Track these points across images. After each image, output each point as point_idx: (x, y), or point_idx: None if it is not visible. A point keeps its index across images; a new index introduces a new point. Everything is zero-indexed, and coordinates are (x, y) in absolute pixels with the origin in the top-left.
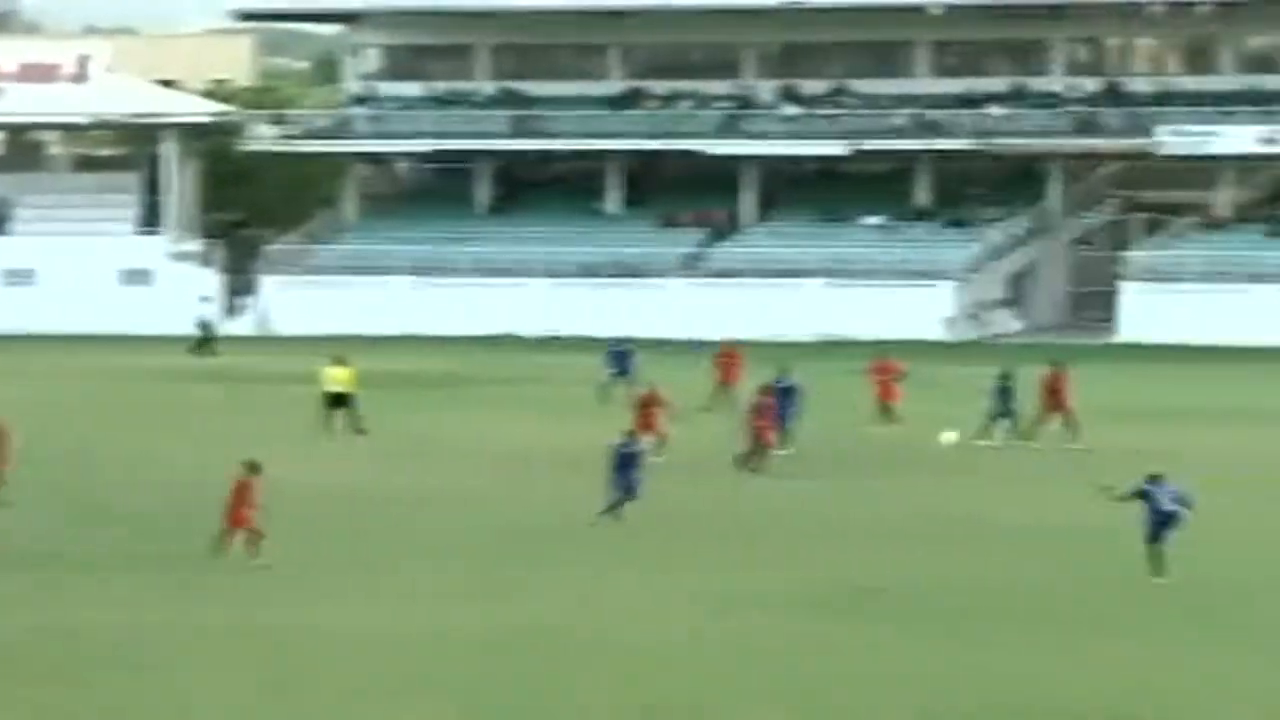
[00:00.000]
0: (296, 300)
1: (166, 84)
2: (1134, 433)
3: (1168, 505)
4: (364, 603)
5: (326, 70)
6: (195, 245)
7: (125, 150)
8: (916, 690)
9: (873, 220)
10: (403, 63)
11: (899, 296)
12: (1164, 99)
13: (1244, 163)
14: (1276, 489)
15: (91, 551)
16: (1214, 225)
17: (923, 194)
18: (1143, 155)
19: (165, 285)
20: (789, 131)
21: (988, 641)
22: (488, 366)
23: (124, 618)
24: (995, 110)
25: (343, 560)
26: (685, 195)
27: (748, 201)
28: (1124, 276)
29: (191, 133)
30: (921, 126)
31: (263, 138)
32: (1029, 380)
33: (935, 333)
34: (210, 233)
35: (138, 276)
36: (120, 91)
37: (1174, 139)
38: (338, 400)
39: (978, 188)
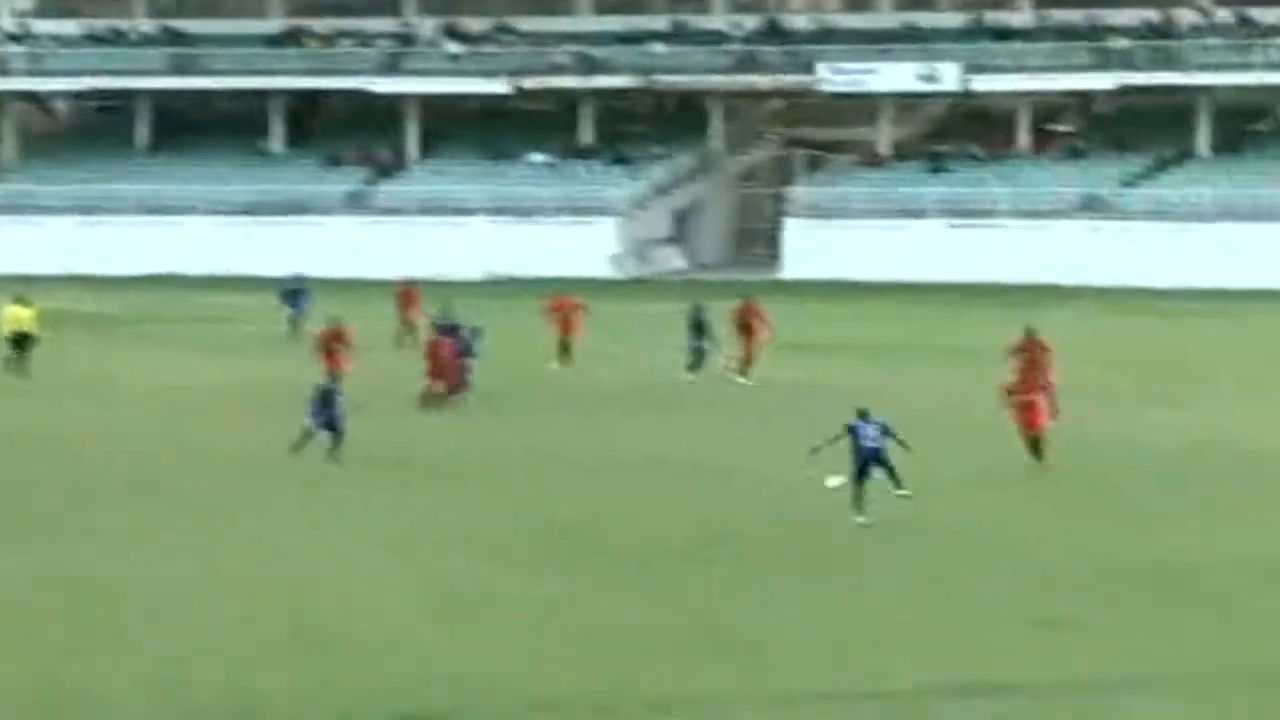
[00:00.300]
0: None
1: None
2: (801, 367)
3: (871, 442)
4: (39, 545)
5: None
6: None
7: None
8: (587, 623)
9: (537, 158)
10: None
11: (564, 234)
12: (824, 36)
13: (903, 100)
14: (952, 425)
15: None
16: (875, 162)
17: (587, 132)
18: (804, 93)
19: None
20: (452, 69)
21: (666, 579)
22: (153, 306)
23: None
24: (657, 48)
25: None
26: (349, 133)
27: (412, 139)
28: (787, 213)
29: None
30: (584, 64)
31: None
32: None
33: (601, 270)
34: None
35: None
36: None
37: (834, 76)
38: (21, 341)
39: (641, 125)
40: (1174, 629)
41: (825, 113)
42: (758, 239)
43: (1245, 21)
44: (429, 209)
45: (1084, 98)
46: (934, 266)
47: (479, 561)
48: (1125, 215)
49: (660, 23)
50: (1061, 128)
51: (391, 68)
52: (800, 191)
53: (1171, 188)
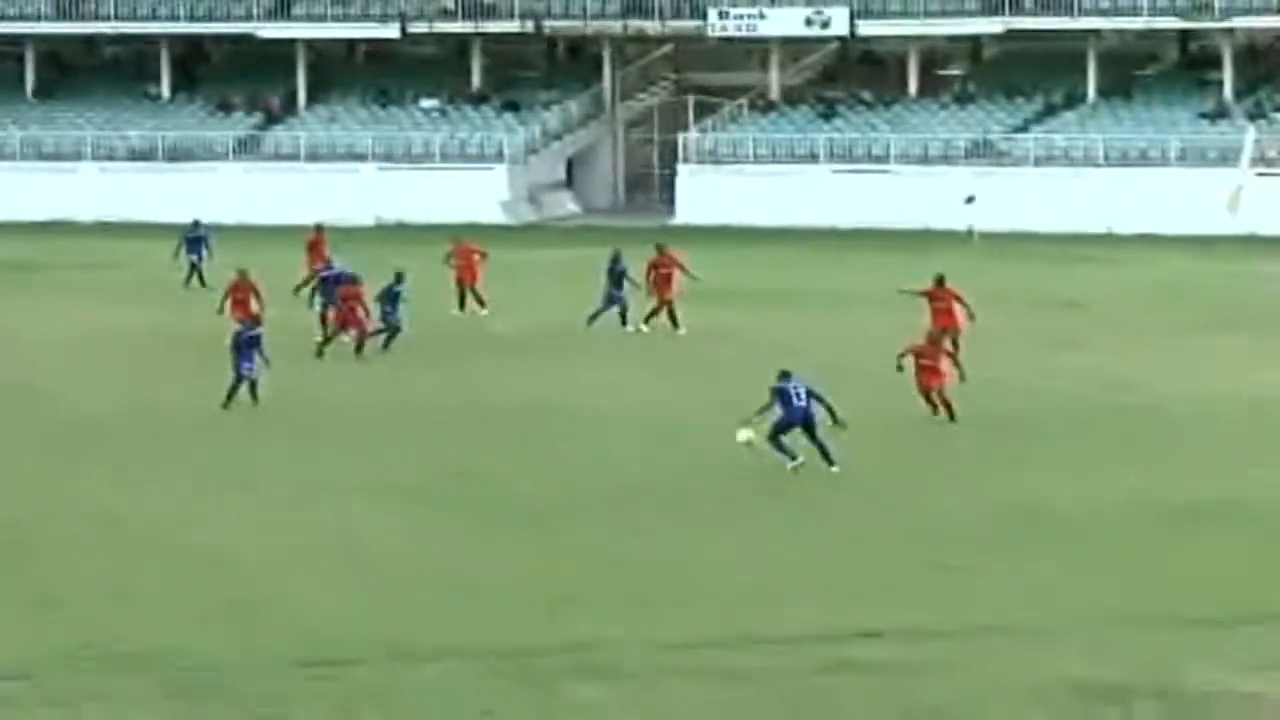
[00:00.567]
0: None
1: None
2: (697, 314)
3: (800, 402)
4: None
5: None
6: None
7: None
8: (491, 573)
9: (427, 104)
10: None
11: (455, 180)
12: None
13: (793, 44)
14: (848, 370)
15: None
16: (767, 107)
17: (477, 77)
18: (694, 38)
19: None
20: (340, 14)
21: (570, 529)
22: (43, 252)
23: None
24: None
25: None
26: (237, 79)
27: (301, 85)
28: (679, 159)
29: None
30: (473, 8)
31: None
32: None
33: (492, 216)
34: None
35: None
36: None
37: (723, 21)
38: None
39: (532, 71)
40: (1070, 572)
41: (716, 58)
42: (650, 185)
43: None
44: (319, 155)
45: (972, 42)
46: (826, 212)
47: (382, 511)
48: (1015, 160)
49: None
50: (950, 72)
51: (279, 12)
52: (692, 137)
53: (1061, 132)
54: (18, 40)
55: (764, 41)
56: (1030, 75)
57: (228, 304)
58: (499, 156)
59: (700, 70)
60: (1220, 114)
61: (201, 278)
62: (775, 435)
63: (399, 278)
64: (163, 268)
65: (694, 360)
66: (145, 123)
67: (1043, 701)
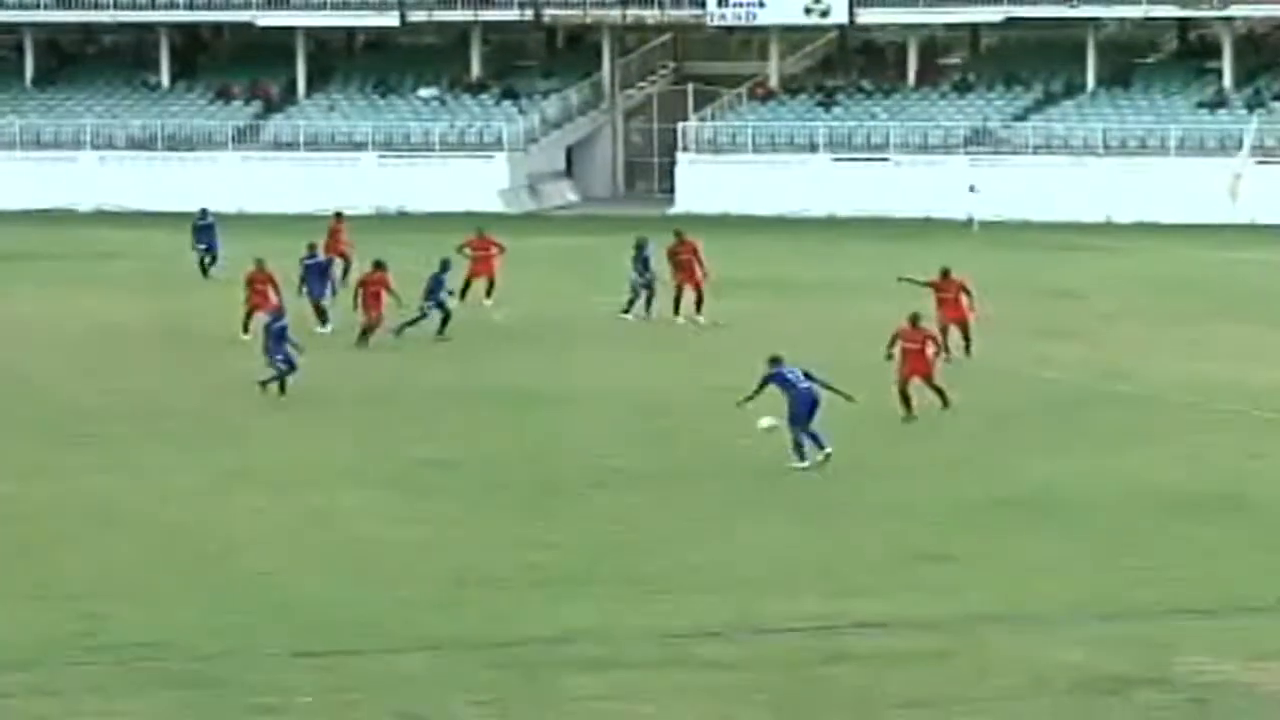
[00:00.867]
0: None
1: None
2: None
3: (803, 383)
4: None
5: None
6: None
7: None
8: (479, 560)
9: (426, 92)
10: None
11: (454, 169)
12: None
13: (792, 33)
14: (845, 359)
15: None
16: (766, 96)
17: (476, 66)
18: (693, 26)
19: None
20: (339, 2)
21: (564, 514)
22: (42, 241)
23: None
24: None
25: None
26: (237, 67)
27: (300, 73)
28: (679, 148)
29: None
30: None
31: None
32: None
33: (492, 205)
34: None
35: None
36: None
37: (722, 10)
38: None
39: (531, 60)
40: (1067, 562)
41: (715, 47)
42: (649, 174)
43: None
44: (318, 144)
45: (972, 30)
46: (825, 200)
47: (380, 500)
48: (1014, 149)
49: None
50: (950, 61)
51: (279, 1)
52: (691, 126)
53: (1061, 121)
54: (17, 29)
55: (763, 30)
56: (1030, 64)
57: (249, 294)
58: (498, 145)
59: (700, 59)
60: (1219, 103)
61: (204, 268)
62: (804, 421)
63: (444, 265)
64: (162, 257)
65: (692, 349)
66: (145, 111)
67: (1040, 691)
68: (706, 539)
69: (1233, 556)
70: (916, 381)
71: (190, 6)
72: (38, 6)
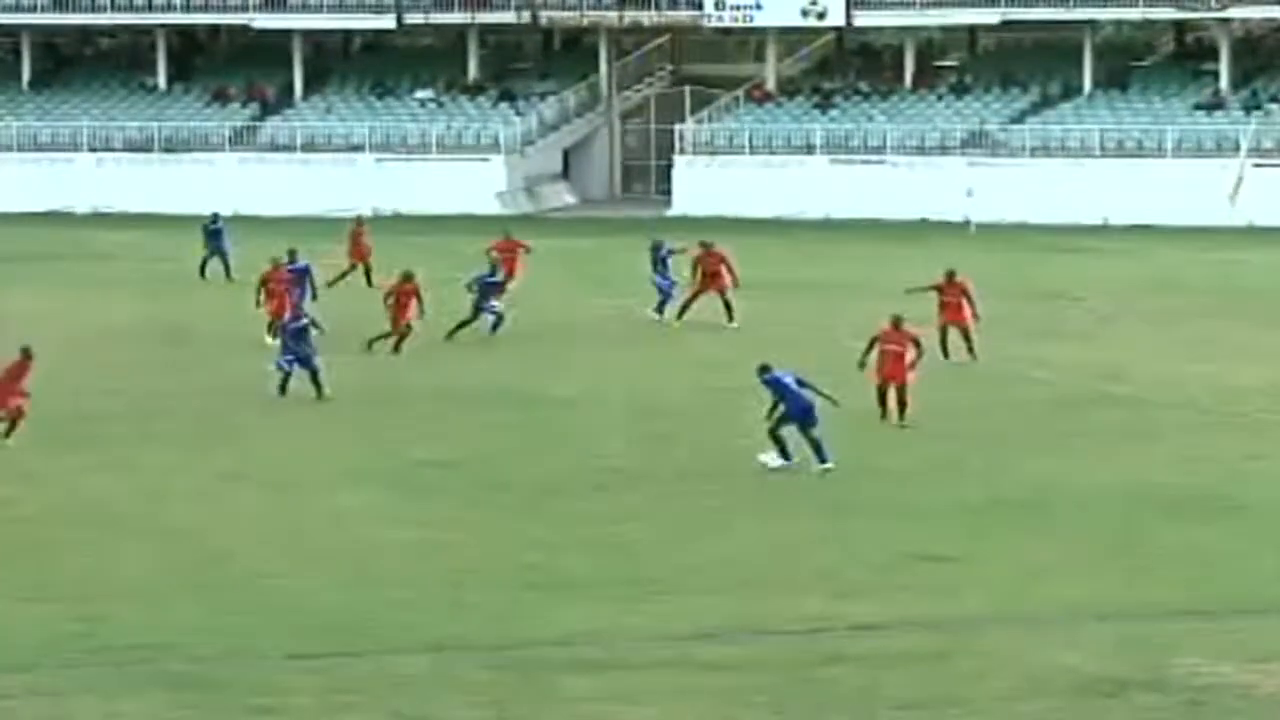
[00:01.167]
0: None
1: None
2: (696, 305)
3: (796, 388)
4: None
5: None
6: None
7: None
8: (481, 561)
9: (423, 94)
10: None
11: (451, 171)
12: None
13: (789, 35)
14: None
15: None
16: (763, 98)
17: (473, 68)
18: (690, 28)
19: None
20: (335, 4)
21: (566, 516)
22: (39, 243)
23: None
24: None
25: None
26: (234, 69)
27: (297, 75)
28: (676, 150)
29: None
30: None
31: None
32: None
33: (489, 207)
34: None
35: None
36: None
37: (719, 12)
38: None
39: (528, 62)
40: (1063, 563)
41: (712, 49)
42: (646, 176)
43: None
44: (315, 146)
45: (969, 32)
46: (822, 203)
47: (377, 501)
48: (1011, 151)
49: None
50: (947, 63)
51: (275, 3)
52: (689, 128)
53: (1058, 123)
54: (14, 31)
55: (760, 32)
56: (1026, 66)
57: (263, 297)
58: (495, 147)
59: (697, 61)
60: (1216, 105)
61: (203, 270)
62: (776, 430)
63: (493, 269)
64: (159, 259)
65: (689, 350)
66: (142, 113)
67: (1037, 693)
68: (706, 540)
69: (1230, 558)
70: (891, 386)
71: (187, 9)
72: (35, 8)
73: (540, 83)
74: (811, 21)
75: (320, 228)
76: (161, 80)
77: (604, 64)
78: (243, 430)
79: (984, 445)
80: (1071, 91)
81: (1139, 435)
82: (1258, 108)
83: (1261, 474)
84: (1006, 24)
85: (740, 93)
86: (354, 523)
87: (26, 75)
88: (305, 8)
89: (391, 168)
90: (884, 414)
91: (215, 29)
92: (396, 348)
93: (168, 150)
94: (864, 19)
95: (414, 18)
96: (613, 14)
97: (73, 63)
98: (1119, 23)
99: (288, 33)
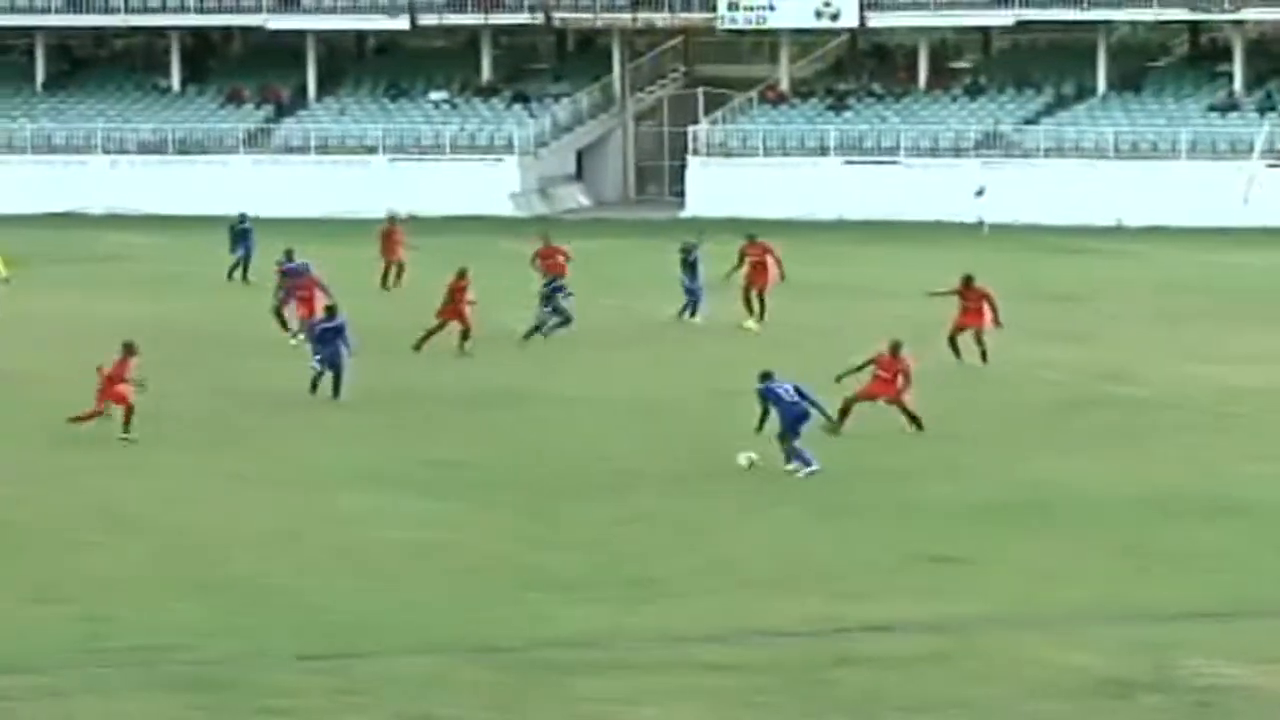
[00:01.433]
0: None
1: None
2: (708, 307)
3: (792, 399)
4: None
5: None
6: None
7: None
8: (488, 562)
9: (437, 96)
10: None
11: (465, 172)
12: None
13: (802, 36)
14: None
15: None
16: (777, 99)
17: (486, 69)
18: (704, 30)
19: None
20: (349, 6)
21: (571, 517)
22: (53, 245)
23: None
24: None
25: None
26: (247, 71)
27: (310, 77)
28: (689, 152)
29: None
30: (482, 0)
31: None
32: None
33: (502, 208)
34: None
35: None
36: None
37: (733, 13)
38: None
39: (542, 63)
40: (1071, 564)
41: (726, 50)
42: (660, 177)
43: None
44: (329, 147)
45: (983, 34)
46: (836, 204)
47: (384, 502)
48: (1025, 152)
49: None
50: (961, 64)
51: (289, 4)
52: (702, 129)
53: (1071, 124)
54: (28, 33)
55: (774, 33)
56: (1040, 67)
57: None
58: (509, 149)
59: (710, 62)
60: (1230, 106)
61: (245, 273)
62: (782, 438)
63: (558, 275)
64: (173, 260)
65: (697, 351)
66: (156, 115)
67: (1042, 694)
68: (709, 541)
69: (1237, 559)
70: (868, 401)
71: (201, 10)
72: (49, 10)
73: (554, 84)
74: (825, 23)
75: (334, 229)
76: (175, 82)
77: (618, 65)
78: (250, 432)
79: (989, 446)
80: (1085, 93)
81: (1147, 437)
82: (1272, 109)
83: (1271, 475)
84: (1020, 25)
85: (754, 94)
86: (361, 523)
87: (41, 77)
88: (319, 9)
89: (405, 169)
90: (839, 424)
91: (229, 30)
92: (461, 343)
93: (182, 152)
94: (878, 20)
95: (428, 19)
96: (626, 15)
97: (87, 64)
98: (1133, 24)
99: (302, 34)
